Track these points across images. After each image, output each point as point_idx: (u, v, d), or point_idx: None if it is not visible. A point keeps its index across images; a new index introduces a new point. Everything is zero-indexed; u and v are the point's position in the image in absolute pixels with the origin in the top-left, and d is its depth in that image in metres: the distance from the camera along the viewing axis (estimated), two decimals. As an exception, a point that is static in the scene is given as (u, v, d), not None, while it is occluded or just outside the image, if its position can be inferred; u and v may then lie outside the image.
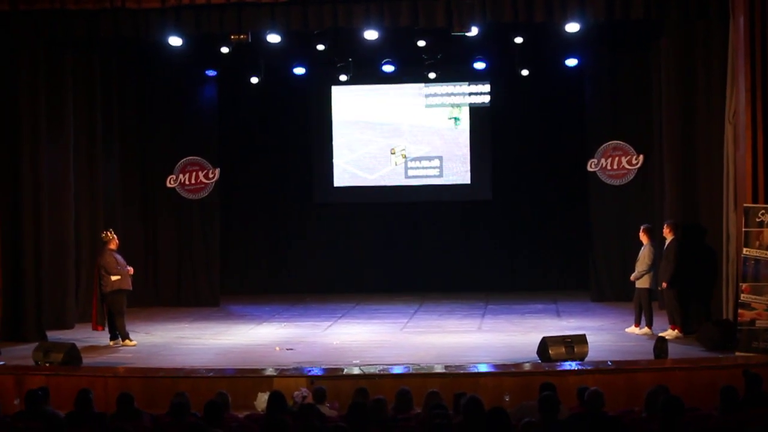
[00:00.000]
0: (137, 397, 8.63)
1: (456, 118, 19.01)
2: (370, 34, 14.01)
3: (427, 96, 18.91)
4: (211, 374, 11.20)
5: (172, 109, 17.87)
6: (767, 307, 11.76)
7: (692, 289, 13.40)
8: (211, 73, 17.65)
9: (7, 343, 13.46)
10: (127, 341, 13.49)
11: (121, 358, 12.67)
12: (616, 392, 10.19)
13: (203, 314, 16.58)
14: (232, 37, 14.48)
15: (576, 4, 13.02)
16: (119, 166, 17.37)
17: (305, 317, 16.11)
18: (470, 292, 18.07)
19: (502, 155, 18.97)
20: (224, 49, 15.25)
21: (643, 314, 13.73)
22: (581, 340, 11.56)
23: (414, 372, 11.07)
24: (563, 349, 11.36)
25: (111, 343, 13.55)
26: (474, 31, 13.91)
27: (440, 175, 19.13)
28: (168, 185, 17.58)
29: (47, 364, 11.66)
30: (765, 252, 11.86)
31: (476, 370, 11.12)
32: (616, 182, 16.77)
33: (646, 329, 13.59)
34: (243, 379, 11.02)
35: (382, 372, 11.06)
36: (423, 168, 19.17)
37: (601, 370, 10.96)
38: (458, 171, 19.08)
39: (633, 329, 13.76)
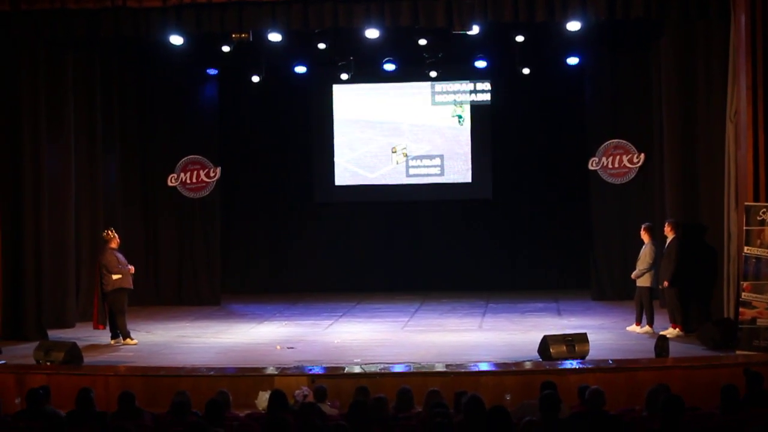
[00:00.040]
0: (138, 396, 8.63)
1: (459, 116, 19.02)
2: (371, 33, 14.01)
3: (434, 94, 18.90)
4: (212, 373, 11.20)
5: (173, 108, 17.88)
6: (768, 305, 11.78)
7: (693, 288, 13.40)
8: (212, 71, 17.67)
9: (8, 342, 13.47)
10: (128, 340, 13.49)
11: (122, 357, 12.68)
12: (617, 391, 10.19)
13: (204, 313, 16.59)
14: (233, 35, 14.46)
15: (577, 3, 13.01)
16: (120, 165, 17.38)
17: (306, 316, 16.12)
18: (471, 290, 18.07)
19: (502, 154, 18.97)
20: (225, 48, 15.24)
21: (644, 313, 13.73)
22: (582, 338, 11.55)
23: (415, 371, 11.07)
24: (564, 348, 11.36)
25: (112, 342, 13.55)
26: (475, 29, 13.89)
27: (441, 174, 19.14)
28: (169, 184, 17.60)
29: (48, 363, 11.65)
30: (766, 250, 11.86)
31: (477, 369, 11.12)
32: (617, 181, 16.77)
33: (647, 328, 13.59)
34: (244, 377, 11.02)
35: (383, 371, 11.06)
36: (424, 167, 19.18)
37: (602, 368, 10.95)
38: (459, 170, 19.08)
39: (634, 328, 13.76)
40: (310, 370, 11.12)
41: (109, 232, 13.82)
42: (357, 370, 11.14)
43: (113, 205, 16.88)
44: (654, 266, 13.79)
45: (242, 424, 7.98)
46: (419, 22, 13.38)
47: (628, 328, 13.85)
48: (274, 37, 14.22)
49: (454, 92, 18.97)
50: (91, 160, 16.09)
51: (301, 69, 17.92)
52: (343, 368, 11.24)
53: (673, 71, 13.94)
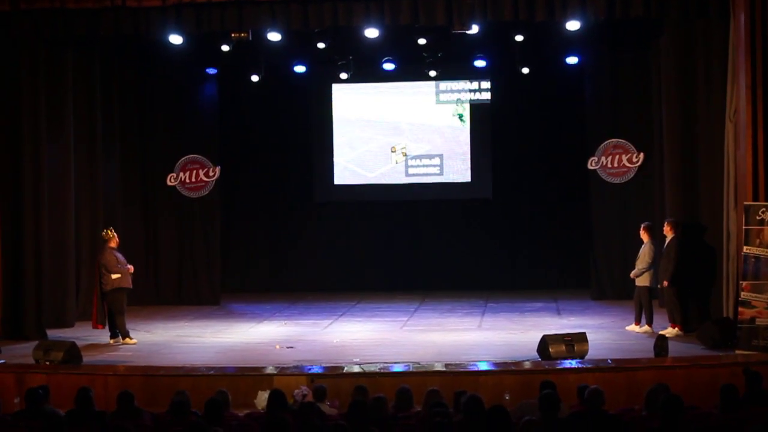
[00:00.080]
0: (137, 395, 8.64)
1: (460, 115, 19.02)
2: (371, 32, 14.01)
3: (439, 93, 18.91)
4: (211, 372, 11.20)
5: (173, 108, 17.87)
6: (767, 305, 11.76)
7: (692, 287, 13.40)
8: (211, 71, 17.66)
9: (8, 341, 13.47)
10: (127, 339, 13.49)
11: (122, 356, 12.68)
12: (617, 390, 10.20)
13: (204, 313, 16.59)
14: (233, 35, 14.47)
15: (577, 2, 13.01)
16: (119, 164, 17.38)
17: (306, 315, 16.12)
18: (470, 290, 18.07)
19: (502, 153, 18.97)
20: (225, 48, 15.22)
21: (644, 312, 13.73)
22: (581, 338, 11.55)
23: (414, 370, 11.08)
24: (563, 348, 11.36)
25: (111, 341, 13.55)
26: (474, 29, 13.90)
27: (441, 174, 19.14)
28: (168, 184, 17.58)
29: (47, 363, 11.65)
30: (765, 250, 11.86)
31: (476, 369, 11.11)
32: (617, 180, 16.77)
33: (646, 327, 13.60)
34: (243, 377, 11.02)
35: (382, 370, 11.07)
36: (423, 166, 19.17)
37: (601, 368, 10.95)
38: (459, 169, 19.08)
39: (633, 327, 13.77)
40: (310, 369, 11.12)
41: (109, 231, 13.82)
42: (356, 369, 11.15)
43: (113, 205, 16.88)
44: (653, 266, 13.79)
45: (241, 423, 7.98)
46: (419, 21, 13.38)
47: (627, 328, 13.85)
48: (274, 36, 14.22)
49: (458, 91, 18.96)
50: (91, 160, 16.09)
51: (300, 68, 17.92)
52: (343, 368, 11.24)
53: (673, 71, 13.94)
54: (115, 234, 13.79)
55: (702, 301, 13.44)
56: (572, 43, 15.95)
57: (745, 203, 12.21)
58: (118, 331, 13.54)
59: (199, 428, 7.11)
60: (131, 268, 13.78)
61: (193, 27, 13.67)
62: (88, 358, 12.22)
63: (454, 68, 18.15)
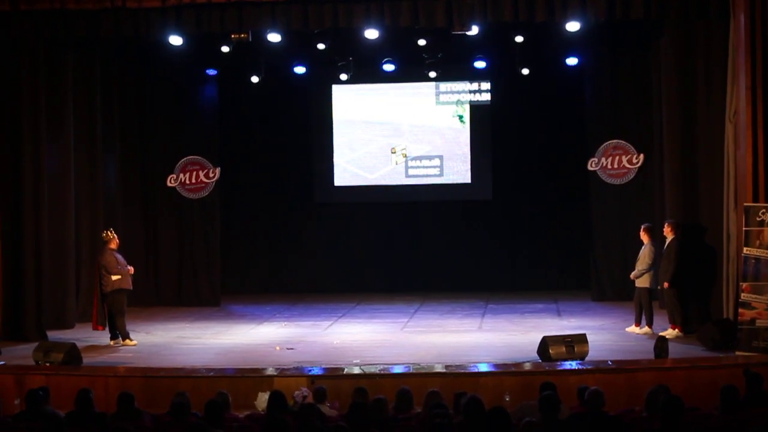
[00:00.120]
0: (138, 396, 8.64)
1: (461, 116, 19.02)
2: (371, 34, 14.01)
3: (439, 94, 18.91)
4: (211, 374, 11.20)
5: (173, 109, 17.87)
6: (767, 306, 11.75)
7: (693, 289, 13.40)
8: (211, 72, 17.65)
9: (8, 342, 13.46)
10: (127, 341, 13.49)
11: (122, 357, 12.67)
12: (617, 392, 10.20)
13: (204, 314, 16.58)
14: (233, 36, 14.49)
15: (577, 3, 13.01)
16: (120, 165, 17.38)
17: (306, 317, 16.11)
18: (471, 291, 18.07)
19: (502, 154, 18.97)
20: (225, 49, 15.24)
21: (644, 314, 13.73)
22: (582, 339, 11.55)
23: (414, 371, 11.07)
24: (564, 349, 11.36)
25: (111, 342, 13.55)
26: (474, 30, 13.92)
27: (441, 175, 19.14)
28: (168, 185, 17.55)
29: (48, 364, 11.65)
30: (765, 251, 11.86)
31: (477, 370, 11.12)
32: (617, 181, 16.75)
33: (646, 329, 13.59)
34: (243, 378, 11.02)
35: (382, 371, 11.05)
36: (423, 167, 19.17)
37: (601, 369, 10.95)
38: (459, 170, 19.08)
39: (633, 329, 13.76)
40: (310, 371, 11.12)
41: (109, 232, 13.82)
42: (356, 371, 11.14)
43: (113, 205, 16.89)
44: (653, 267, 13.79)
45: (242, 425, 7.98)
46: (419, 22, 13.38)
47: (627, 329, 13.85)
48: (274, 37, 14.23)
49: (458, 92, 18.96)
50: (91, 160, 16.09)
51: (300, 69, 17.90)
52: (343, 369, 11.24)
53: (673, 71, 13.94)
54: (115, 235, 13.79)
55: (702, 302, 13.44)
56: (572, 44, 15.95)
57: (745, 204, 12.20)
58: (119, 333, 13.53)
59: (199, 429, 7.11)
60: (131, 269, 13.77)
61: (193, 28, 13.67)
62: (88, 359, 12.22)
63: (454, 69, 18.14)
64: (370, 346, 13.21)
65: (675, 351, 11.75)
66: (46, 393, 8.82)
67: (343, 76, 17.74)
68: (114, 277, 13.49)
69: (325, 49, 16.00)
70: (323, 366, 11.44)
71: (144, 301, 16.87)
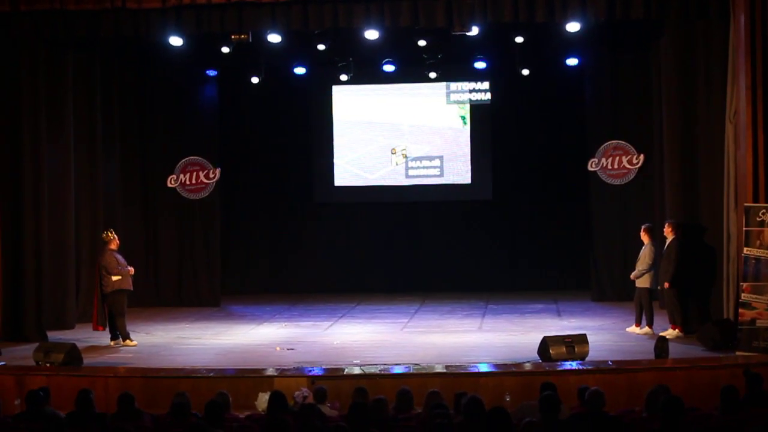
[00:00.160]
0: (138, 397, 8.63)
1: (462, 117, 19.03)
2: (371, 34, 14.01)
3: (449, 93, 18.90)
4: (211, 374, 11.20)
5: (173, 109, 17.87)
6: (767, 306, 11.75)
7: (693, 289, 13.40)
8: (211, 72, 17.64)
9: (8, 343, 13.45)
10: (127, 341, 13.49)
11: (122, 358, 12.67)
12: (617, 392, 10.20)
13: (204, 314, 16.58)
14: (233, 36, 14.49)
15: (577, 3, 13.00)
16: (120, 166, 17.38)
17: (306, 317, 16.11)
18: (471, 291, 18.07)
19: (502, 155, 18.97)
20: (225, 49, 15.23)
21: (644, 314, 13.73)
22: (582, 339, 11.55)
23: (414, 372, 11.07)
24: (564, 349, 11.36)
25: (111, 343, 13.55)
26: (474, 30, 13.91)
27: (441, 175, 19.14)
28: (169, 185, 17.53)
29: (48, 365, 11.65)
30: (765, 251, 11.86)
31: (477, 370, 11.12)
32: (617, 182, 16.73)
33: (646, 329, 13.59)
34: (244, 379, 11.02)
35: (382, 372, 11.06)
36: (424, 168, 19.17)
37: (601, 369, 10.95)
38: (459, 171, 19.08)
39: (633, 329, 13.76)
40: (310, 371, 11.11)
41: (109, 233, 13.81)
42: (357, 371, 11.13)
43: (113, 205, 16.89)
44: (653, 267, 13.79)
45: (242, 425, 7.98)
46: (419, 22, 13.38)
47: (627, 329, 13.85)
48: (274, 38, 14.22)
49: (458, 92, 18.96)
50: (91, 160, 16.10)
51: (300, 70, 17.89)
52: (343, 369, 11.24)
53: (673, 71, 13.94)
54: (115, 236, 13.79)
55: (702, 302, 13.44)
56: (572, 44, 15.95)
57: (745, 204, 12.20)
58: (119, 333, 13.53)
59: (199, 430, 7.11)
60: (132, 269, 13.77)
61: (193, 28, 13.67)
62: (88, 359, 12.22)
63: (454, 70, 18.14)
64: (371, 346, 13.20)
65: (675, 351, 11.75)
66: (46, 393, 8.81)
67: (343, 77, 17.73)
68: (114, 278, 13.49)
69: (325, 49, 16.00)
70: (323, 366, 11.44)
71: (144, 301, 16.87)
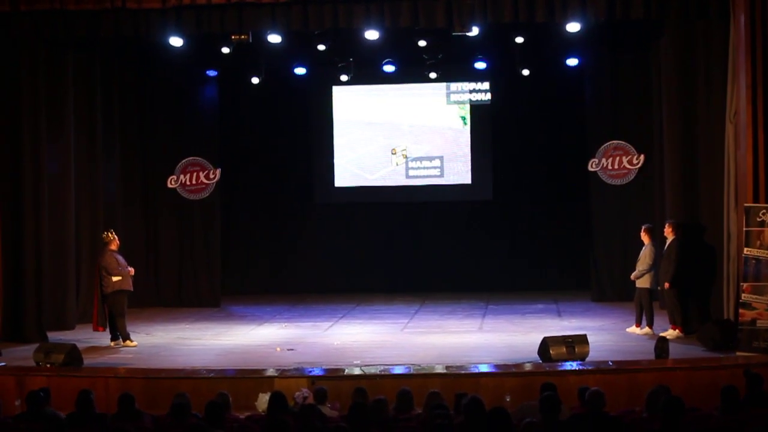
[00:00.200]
0: (138, 397, 8.63)
1: (463, 117, 19.03)
2: (371, 34, 14.01)
3: (438, 95, 18.90)
4: (212, 375, 11.20)
5: (173, 110, 17.87)
6: (767, 306, 11.77)
7: (693, 289, 13.40)
8: (211, 73, 17.63)
9: (8, 343, 13.46)
10: (127, 342, 13.49)
11: (122, 358, 12.67)
12: (617, 392, 10.19)
13: (204, 315, 16.58)
14: (233, 37, 14.50)
15: (577, 4, 12.99)
16: (120, 166, 17.37)
17: (306, 318, 16.11)
18: (471, 292, 18.06)
19: (502, 155, 18.98)
20: (225, 50, 15.22)
21: (644, 314, 13.72)
22: (582, 340, 11.55)
23: (415, 372, 11.07)
24: (564, 349, 11.36)
25: (112, 343, 13.55)
26: (475, 31, 13.91)
27: (441, 175, 19.14)
28: (169, 186, 17.53)
29: (48, 365, 11.65)
30: (766, 251, 11.86)
31: (477, 371, 11.12)
32: (617, 182, 16.74)
33: (647, 329, 13.59)
34: (244, 379, 11.02)
35: (382, 372, 11.05)
36: (424, 168, 19.17)
37: (602, 370, 10.96)
38: (459, 171, 19.08)
39: (634, 329, 13.76)
40: (310, 371, 11.11)
41: (109, 233, 13.81)
42: (357, 371, 11.13)
43: (113, 205, 16.88)
44: (654, 267, 13.79)
45: (242, 426, 7.98)
46: (419, 23, 13.38)
47: (627, 330, 13.85)
48: (274, 38, 14.22)
49: (459, 93, 18.96)
50: (91, 160, 16.10)
51: (300, 70, 17.88)
52: (343, 370, 11.24)
53: (673, 71, 13.94)
54: (115, 236, 13.79)
55: (702, 302, 13.43)
56: (572, 44, 15.95)
57: (746, 205, 12.19)
58: (119, 334, 13.53)
59: (199, 430, 7.11)
60: (132, 270, 13.78)
61: (194, 29, 13.67)
62: (88, 360, 12.22)
63: (454, 70, 18.14)
64: (371, 346, 13.20)
65: (675, 351, 11.75)
66: (46, 394, 8.81)
67: (344, 77, 17.72)
68: (114, 278, 13.49)
69: (325, 50, 16.00)
70: (323, 367, 11.44)
71: (144, 301, 16.87)
